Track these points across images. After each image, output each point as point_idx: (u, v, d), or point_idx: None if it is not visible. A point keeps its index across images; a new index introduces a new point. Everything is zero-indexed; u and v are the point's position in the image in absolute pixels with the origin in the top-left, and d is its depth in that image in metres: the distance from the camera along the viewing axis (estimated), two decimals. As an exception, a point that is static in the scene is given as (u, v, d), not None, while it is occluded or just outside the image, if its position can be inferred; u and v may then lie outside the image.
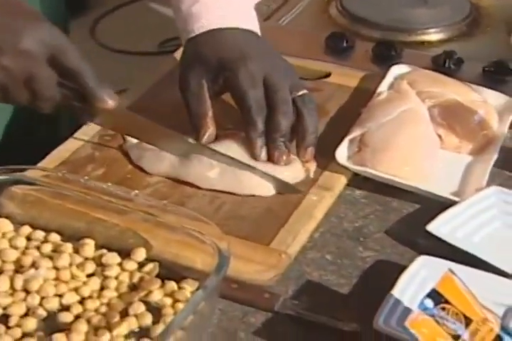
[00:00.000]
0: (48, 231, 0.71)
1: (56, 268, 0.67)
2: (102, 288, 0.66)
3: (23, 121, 0.95)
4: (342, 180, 0.80)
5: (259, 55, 0.81)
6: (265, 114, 0.78)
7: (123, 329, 0.62)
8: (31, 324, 0.63)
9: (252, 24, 0.86)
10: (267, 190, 0.78)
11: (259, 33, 0.86)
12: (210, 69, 0.80)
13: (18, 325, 0.63)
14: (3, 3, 0.69)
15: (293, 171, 0.79)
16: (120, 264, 0.68)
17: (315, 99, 0.82)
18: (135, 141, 0.82)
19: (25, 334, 0.63)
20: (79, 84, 0.71)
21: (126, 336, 0.62)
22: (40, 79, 0.69)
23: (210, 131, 0.81)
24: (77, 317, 0.64)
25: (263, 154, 0.78)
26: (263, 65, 0.80)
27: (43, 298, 0.65)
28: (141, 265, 0.68)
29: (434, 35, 1.09)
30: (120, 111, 0.75)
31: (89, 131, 0.85)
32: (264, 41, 0.86)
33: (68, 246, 0.70)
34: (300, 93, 0.80)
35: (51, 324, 0.64)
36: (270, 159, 0.79)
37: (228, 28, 0.83)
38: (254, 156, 0.79)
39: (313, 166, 0.80)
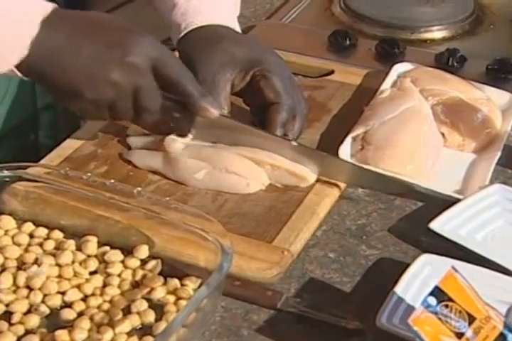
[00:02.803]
0: (50, 228, 0.71)
1: (59, 266, 0.67)
2: (105, 286, 0.66)
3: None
4: (345, 178, 0.80)
5: (275, 52, 0.84)
6: None
7: (126, 326, 0.62)
8: (34, 321, 0.63)
9: (237, 25, 0.87)
10: (253, 187, 0.77)
11: None
12: (237, 65, 0.79)
13: (21, 322, 0.63)
14: (107, 21, 0.72)
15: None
16: (123, 261, 0.68)
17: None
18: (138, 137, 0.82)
19: (27, 331, 0.63)
20: (181, 94, 0.72)
21: (129, 333, 0.62)
22: (146, 90, 0.71)
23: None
24: (80, 314, 0.64)
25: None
26: (284, 63, 0.83)
27: (45, 295, 0.65)
28: (143, 262, 0.68)
29: (437, 33, 1.09)
30: (220, 120, 0.76)
31: (91, 128, 0.85)
32: None
33: (71, 243, 0.70)
34: None
35: (54, 321, 0.64)
36: None
37: (227, 26, 0.84)
38: None
39: None
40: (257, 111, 0.82)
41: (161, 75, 0.71)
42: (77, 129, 0.86)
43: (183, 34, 0.83)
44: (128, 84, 0.71)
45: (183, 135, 0.78)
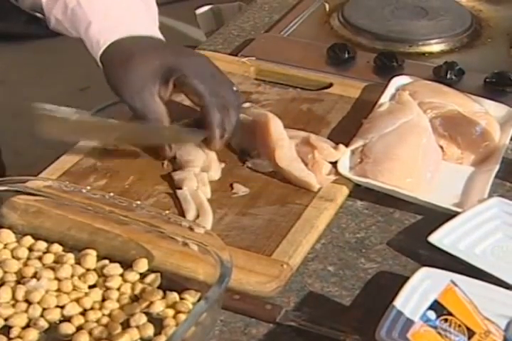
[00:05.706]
0: (49, 241, 0.71)
1: (58, 279, 0.67)
2: (104, 299, 0.66)
3: None
4: (344, 191, 0.80)
5: (193, 53, 0.85)
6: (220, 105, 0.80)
7: (124, 340, 0.62)
8: (33, 335, 0.63)
9: (157, 33, 0.86)
10: None
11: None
12: (155, 74, 0.79)
13: (20, 337, 0.63)
14: None
15: None
16: (122, 275, 0.68)
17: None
18: None
19: (26, 346, 0.63)
20: None
21: (128, 347, 0.62)
22: None
23: None
24: (79, 328, 0.64)
25: (219, 144, 0.80)
26: (204, 61, 0.83)
27: (44, 309, 0.65)
28: (143, 276, 0.68)
29: (435, 46, 1.10)
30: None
31: (90, 142, 0.85)
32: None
33: (70, 257, 0.70)
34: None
35: (53, 335, 0.64)
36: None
37: (145, 36, 0.83)
38: (212, 146, 0.80)
39: None
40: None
41: None
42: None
43: (101, 51, 0.82)
44: None
45: None
